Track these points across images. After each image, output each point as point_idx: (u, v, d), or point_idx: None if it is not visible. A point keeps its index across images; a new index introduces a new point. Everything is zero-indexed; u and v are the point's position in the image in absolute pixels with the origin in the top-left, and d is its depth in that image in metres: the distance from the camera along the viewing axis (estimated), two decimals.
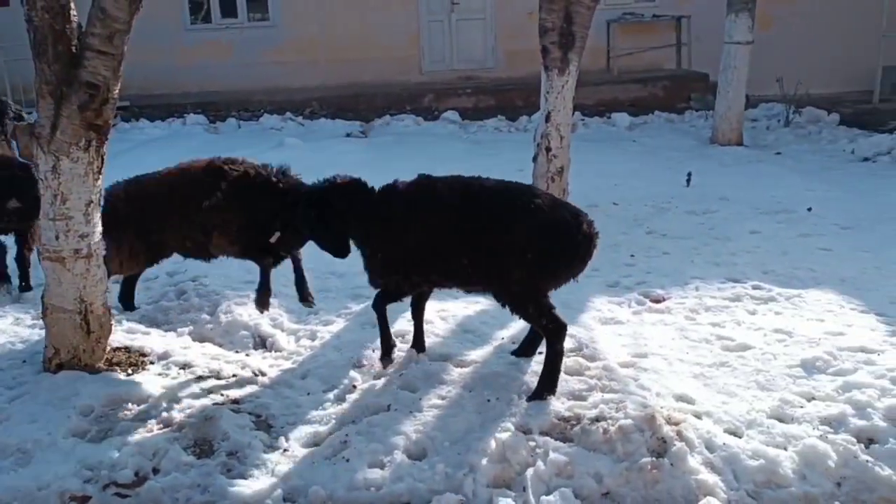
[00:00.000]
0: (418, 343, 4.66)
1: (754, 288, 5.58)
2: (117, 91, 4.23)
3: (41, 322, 5.24)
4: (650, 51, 16.59)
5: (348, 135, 13.42)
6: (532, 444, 3.73)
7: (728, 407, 4.05)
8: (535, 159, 7.91)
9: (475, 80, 16.71)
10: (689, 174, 8.95)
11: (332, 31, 16.64)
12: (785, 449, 3.69)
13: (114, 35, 4.03)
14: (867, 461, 3.58)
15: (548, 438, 3.79)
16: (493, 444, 3.71)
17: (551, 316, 4.08)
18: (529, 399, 4.07)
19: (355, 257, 4.43)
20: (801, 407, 4.04)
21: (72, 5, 4.11)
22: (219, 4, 16.66)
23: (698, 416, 3.94)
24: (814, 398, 4.13)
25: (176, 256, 5.62)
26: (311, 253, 5.39)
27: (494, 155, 10.95)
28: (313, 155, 11.12)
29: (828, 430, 3.81)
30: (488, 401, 4.08)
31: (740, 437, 3.80)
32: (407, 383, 4.36)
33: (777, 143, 11.62)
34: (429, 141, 12.46)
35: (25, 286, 5.99)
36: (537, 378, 4.28)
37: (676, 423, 3.82)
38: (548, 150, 7.75)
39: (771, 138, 11.95)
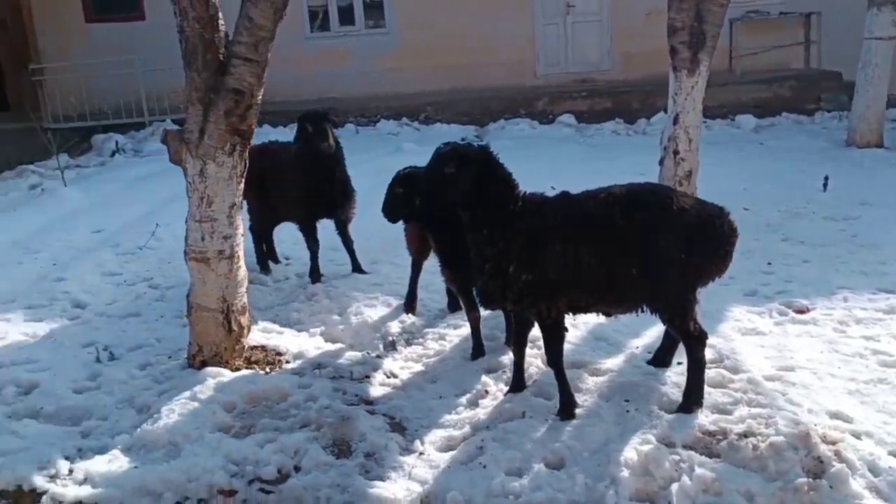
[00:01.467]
0: (519, 381, 4.30)
1: None
2: (260, 97, 4.34)
3: (180, 321, 5.51)
4: (776, 49, 15.86)
5: (463, 139, 13.41)
6: (676, 457, 3.59)
7: (891, 427, 3.77)
8: (661, 163, 7.66)
9: (590, 83, 16.42)
10: (826, 178, 8.46)
11: (446, 36, 16.73)
12: None
13: (259, 43, 4.15)
14: None
15: (692, 453, 3.63)
16: (634, 456, 3.59)
17: (697, 323, 3.91)
18: (674, 411, 3.91)
19: None
20: None
21: (219, 16, 4.26)
22: (337, 13, 17.06)
23: (857, 435, 3.69)
24: None
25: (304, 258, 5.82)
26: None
27: (613, 158, 10.70)
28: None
29: None
30: (627, 411, 3.95)
31: None
32: (540, 391, 4.29)
33: None
34: (545, 145, 12.33)
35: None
36: (676, 389, 4.13)
37: (834, 443, 3.59)
38: (675, 153, 7.48)
39: None
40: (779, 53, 16.00)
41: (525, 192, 3.95)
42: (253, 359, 4.77)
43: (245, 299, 4.72)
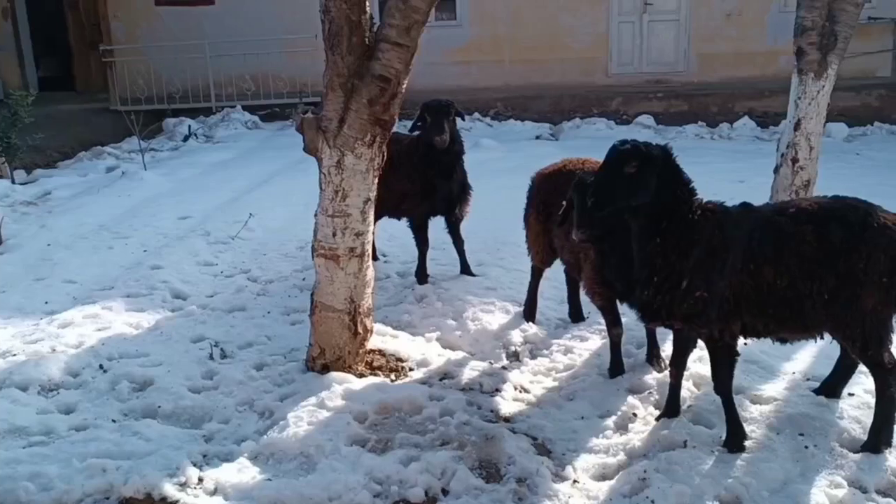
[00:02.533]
0: (674, 406, 3.93)
1: None
2: (405, 86, 4.04)
3: (288, 318, 5.24)
4: (863, 56, 15.23)
5: (538, 137, 13.11)
6: None
7: None
8: (776, 171, 7.24)
9: (664, 84, 15.93)
10: None
11: (518, 30, 16.36)
12: None
13: (412, 27, 3.84)
14: None
15: (891, 500, 3.25)
16: (825, 500, 3.22)
17: (892, 354, 3.52)
18: (861, 450, 3.52)
19: None
20: None
21: None
22: None
23: None
24: None
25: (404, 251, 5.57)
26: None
27: (704, 164, 10.18)
28: (510, 156, 10.90)
29: None
30: (806, 447, 3.58)
31: None
32: (698, 417, 3.94)
33: None
34: None
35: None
36: (857, 424, 3.75)
37: None
38: (794, 160, 7.05)
39: None
40: (865, 60, 15.36)
41: (703, 200, 3.59)
42: (375, 364, 4.48)
43: (371, 301, 4.43)
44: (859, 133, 12.49)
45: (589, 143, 12.38)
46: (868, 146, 11.63)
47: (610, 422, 3.97)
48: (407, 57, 3.93)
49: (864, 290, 3.37)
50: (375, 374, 4.37)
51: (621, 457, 3.67)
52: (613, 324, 4.41)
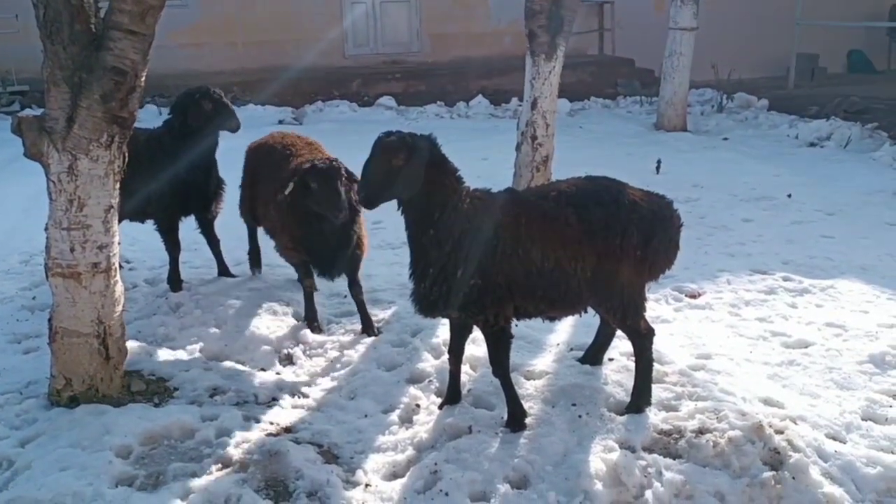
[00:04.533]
0: (455, 392, 3.96)
1: (784, 280, 5.52)
2: (143, 78, 3.61)
3: (19, 346, 4.60)
4: (574, 36, 16.55)
5: (281, 122, 12.72)
6: (643, 462, 3.45)
7: (818, 410, 3.91)
8: (518, 148, 7.62)
9: (401, 65, 16.23)
10: (659, 161, 8.91)
11: (249, 11, 15.73)
12: (894, 453, 3.57)
13: (147, 12, 3.43)
14: None
15: (656, 456, 3.52)
16: (602, 465, 3.41)
17: (646, 321, 3.81)
18: (625, 412, 3.78)
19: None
20: (891, 406, 3.95)
21: None
22: None
23: (794, 421, 3.76)
24: None
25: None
26: None
27: (448, 143, 10.42)
28: None
29: None
30: (579, 416, 3.77)
31: (845, 443, 3.66)
32: (479, 400, 4.00)
33: (719, 129, 11.81)
34: (370, 128, 11.68)
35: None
36: (619, 388, 4.02)
37: (781, 432, 3.63)
38: (533, 138, 7.48)
39: (711, 123, 12.15)
40: (577, 40, 16.72)
41: (470, 188, 3.60)
42: (133, 388, 4.03)
43: (123, 320, 3.96)
44: (579, 108, 13.59)
45: (334, 126, 12.29)
46: (588, 119, 12.70)
47: (395, 416, 3.91)
48: (144, 46, 3.52)
49: (621, 265, 3.60)
50: (136, 400, 3.93)
51: (410, 452, 3.62)
52: (306, 276, 4.91)
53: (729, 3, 16.13)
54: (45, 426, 3.67)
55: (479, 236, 3.50)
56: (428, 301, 3.62)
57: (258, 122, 12.52)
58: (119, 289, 3.87)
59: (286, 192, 4.46)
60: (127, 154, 3.73)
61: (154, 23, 3.50)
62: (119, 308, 3.89)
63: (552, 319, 3.97)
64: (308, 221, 4.63)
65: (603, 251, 3.56)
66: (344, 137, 11.00)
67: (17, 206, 7.14)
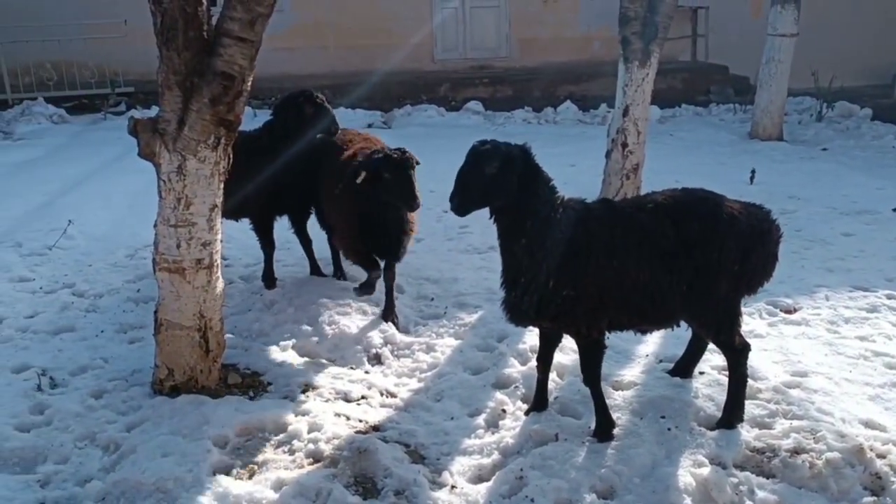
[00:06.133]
0: (542, 399, 3.96)
1: (888, 298, 5.29)
2: (250, 83, 3.76)
3: (125, 336, 4.82)
4: (666, 41, 16.26)
5: (370, 125, 12.93)
6: (734, 480, 3.38)
7: None
8: (608, 155, 7.56)
9: (489, 70, 16.26)
10: (753, 171, 8.66)
11: (341, 15, 16.05)
12: None
13: (256, 20, 3.57)
14: None
15: (748, 473, 3.44)
16: (692, 480, 3.36)
17: (741, 336, 3.73)
18: (716, 427, 3.71)
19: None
20: None
21: None
22: None
23: None
24: None
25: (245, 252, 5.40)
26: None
27: (536, 149, 10.51)
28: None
29: None
30: (668, 429, 3.72)
31: None
32: (565, 408, 4.00)
33: (817, 139, 11.39)
34: (458, 133, 11.96)
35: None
36: (710, 402, 3.95)
37: (883, 456, 3.50)
38: (624, 145, 7.41)
39: (809, 133, 11.72)
40: (669, 46, 16.36)
41: (565, 197, 3.60)
42: (230, 381, 4.18)
43: (222, 314, 4.12)
44: (670, 115, 13.32)
45: (422, 130, 12.41)
46: (679, 127, 12.43)
47: (480, 420, 3.95)
48: (251, 52, 3.65)
49: (718, 279, 3.53)
50: (232, 393, 4.09)
51: (496, 456, 3.65)
52: (373, 267, 4.99)
53: (831, 8, 15.52)
54: (149, 413, 3.85)
55: (573, 247, 3.49)
56: (519, 310, 3.63)
57: (348, 124, 12.55)
58: (220, 285, 4.03)
59: (358, 181, 4.52)
60: (231, 155, 3.88)
61: (262, 30, 3.64)
62: (219, 303, 4.05)
63: (644, 332, 3.92)
64: (371, 213, 4.72)
65: (700, 265, 3.50)
66: (431, 141, 11.11)
67: (122, 202, 7.49)
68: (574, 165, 9.37)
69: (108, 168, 8.99)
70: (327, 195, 5.18)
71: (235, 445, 3.65)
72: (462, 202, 3.45)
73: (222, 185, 3.89)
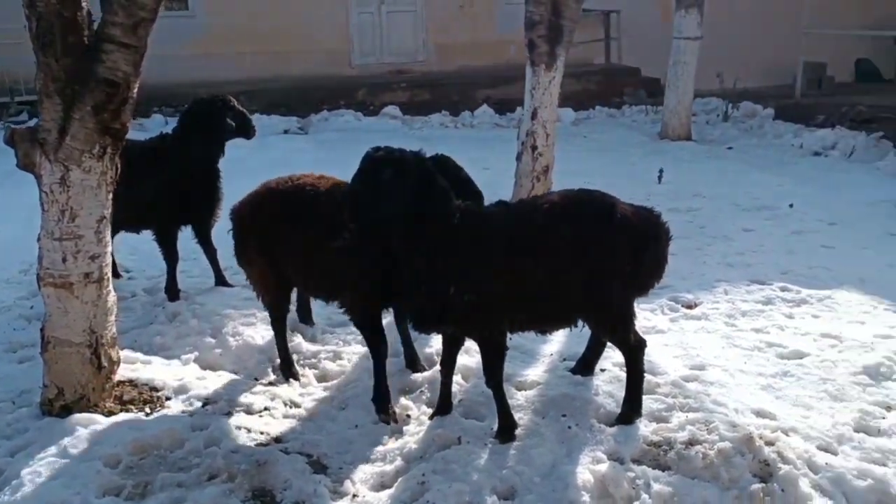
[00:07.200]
0: (445, 403, 3.93)
1: (782, 290, 5.49)
2: (136, 90, 3.65)
3: (14, 355, 4.63)
4: (581, 45, 16.57)
5: (286, 131, 12.81)
6: (631, 474, 3.44)
7: (810, 421, 3.88)
8: (518, 158, 7.64)
9: (407, 74, 16.30)
10: (661, 171, 8.90)
11: (256, 21, 15.82)
12: (885, 465, 3.54)
13: (139, 25, 3.47)
14: None
15: (644, 467, 3.50)
16: (590, 477, 3.40)
17: (636, 333, 3.80)
18: (615, 423, 3.77)
19: None
20: (883, 418, 3.92)
21: None
22: None
23: (785, 432, 3.74)
24: (891, 407, 4.03)
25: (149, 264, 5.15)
26: None
27: (450, 153, 10.40)
28: (260, 154, 10.49)
29: None
30: (569, 427, 3.76)
31: (836, 455, 3.63)
32: (469, 411, 4.00)
33: (723, 138, 11.79)
34: (374, 138, 11.76)
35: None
36: (610, 399, 4.01)
37: (772, 443, 3.61)
38: (533, 148, 7.49)
39: (716, 133, 12.13)
40: (583, 49, 16.75)
41: (461, 203, 3.59)
42: (126, 398, 4.05)
43: (115, 329, 3.98)
44: (584, 117, 13.59)
45: (339, 135, 12.34)
46: (592, 129, 12.70)
47: (385, 427, 3.92)
48: (136, 58, 3.55)
49: (611, 279, 3.60)
50: (127, 410, 3.95)
51: (399, 462, 3.62)
52: (382, 340, 4.01)
53: (735, 12, 16.11)
54: (36, 435, 3.69)
55: (471, 251, 3.49)
56: (422, 318, 3.62)
57: (264, 130, 12.44)
58: (111, 298, 3.90)
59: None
60: (120, 165, 3.76)
61: (146, 35, 3.54)
62: (111, 318, 3.92)
63: (545, 332, 3.96)
64: (382, 255, 3.68)
65: (594, 266, 3.55)
66: (347, 146, 11.02)
67: (19, 216, 7.18)
68: (488, 169, 9.39)
69: (5, 180, 8.60)
70: (310, 259, 4.07)
71: (128, 465, 3.52)
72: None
73: (111, 196, 3.76)
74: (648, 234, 3.70)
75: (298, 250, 4.06)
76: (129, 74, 3.54)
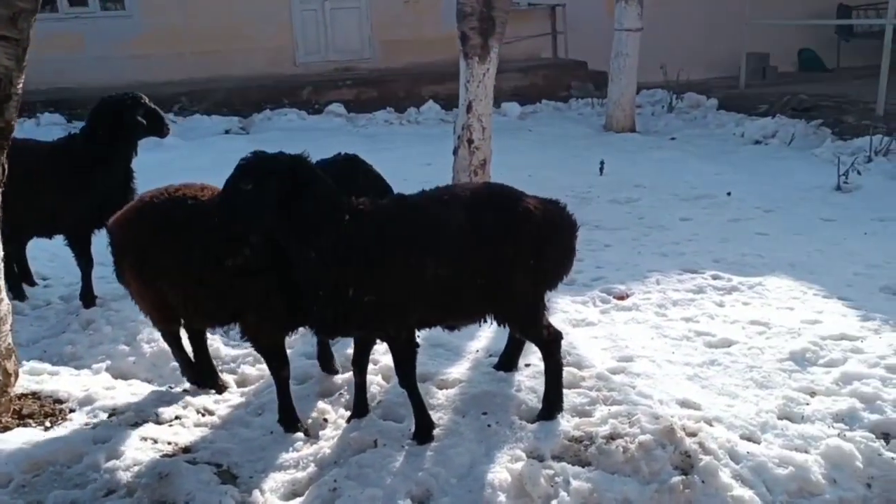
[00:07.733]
0: (362, 405, 3.80)
1: (714, 278, 5.46)
2: (21, 85, 3.44)
3: None
4: (528, 39, 16.56)
5: (227, 131, 12.54)
6: (549, 472, 3.33)
7: (735, 410, 3.83)
8: (455, 152, 7.51)
9: (353, 72, 16.08)
10: (602, 162, 8.85)
11: (195, 21, 15.49)
12: (807, 452, 3.50)
13: (18, 16, 3.27)
14: (892, 458, 3.43)
15: (564, 464, 3.41)
16: (507, 476, 3.30)
17: (550, 327, 3.70)
18: (536, 420, 3.67)
19: None
20: (807, 404, 3.89)
21: None
22: None
23: (709, 422, 3.68)
24: (815, 393, 3.99)
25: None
26: None
27: (393, 149, 10.44)
28: (198, 154, 10.26)
29: (843, 428, 3.66)
30: (488, 426, 3.65)
31: (759, 444, 3.58)
32: (388, 412, 3.86)
33: (668, 129, 11.82)
34: (317, 136, 11.76)
35: None
36: (532, 394, 3.92)
37: (694, 434, 3.54)
38: (470, 142, 7.37)
39: (661, 124, 12.16)
40: (530, 43, 16.72)
41: (352, 200, 3.41)
42: (25, 412, 3.84)
43: (10, 339, 3.77)
44: (531, 111, 13.54)
45: (282, 134, 12.10)
46: (538, 122, 12.65)
47: (300, 432, 3.77)
48: (18, 52, 3.35)
49: (514, 273, 3.48)
50: (25, 425, 3.74)
51: (312, 469, 3.48)
52: (284, 362, 3.77)
53: (677, 3, 16.19)
54: None
55: (367, 250, 3.31)
56: (324, 323, 3.46)
57: (205, 132, 12.32)
58: (4, 307, 3.69)
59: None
60: (7, 166, 3.55)
61: (28, 27, 3.34)
62: (5, 328, 3.71)
63: (452, 328, 3.83)
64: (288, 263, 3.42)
65: (495, 259, 3.43)
66: (292, 146, 10.80)
67: None
68: (430, 164, 9.32)
69: None
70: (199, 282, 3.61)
71: (20, 483, 3.32)
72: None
73: None
74: (552, 226, 3.58)
75: (181, 272, 3.57)
76: (10, 69, 3.34)
